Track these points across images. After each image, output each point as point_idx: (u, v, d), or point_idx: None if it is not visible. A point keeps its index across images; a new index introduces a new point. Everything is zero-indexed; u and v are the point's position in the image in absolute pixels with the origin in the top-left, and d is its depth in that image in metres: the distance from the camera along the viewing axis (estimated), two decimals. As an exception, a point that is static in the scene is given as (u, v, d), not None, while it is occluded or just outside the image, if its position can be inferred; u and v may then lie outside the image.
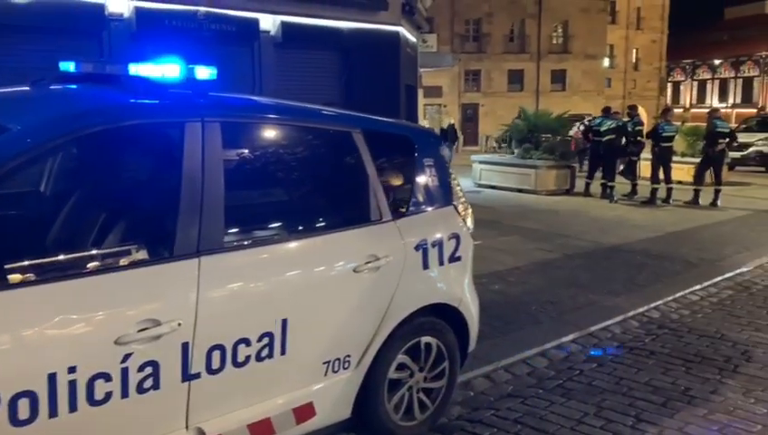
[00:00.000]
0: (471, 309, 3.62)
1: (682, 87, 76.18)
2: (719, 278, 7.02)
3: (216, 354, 2.49)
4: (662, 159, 12.87)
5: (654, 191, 12.90)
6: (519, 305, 5.90)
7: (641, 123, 13.58)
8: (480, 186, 15.48)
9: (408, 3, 11.46)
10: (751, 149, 21.29)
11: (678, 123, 19.81)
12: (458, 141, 29.77)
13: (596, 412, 3.77)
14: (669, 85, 75.55)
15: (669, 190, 13.01)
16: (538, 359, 4.62)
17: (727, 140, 12.89)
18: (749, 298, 6.29)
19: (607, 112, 13.70)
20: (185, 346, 2.40)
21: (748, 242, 9.17)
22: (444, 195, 3.51)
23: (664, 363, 4.54)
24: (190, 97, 2.66)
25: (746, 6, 69.43)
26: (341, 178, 3.20)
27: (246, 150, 2.84)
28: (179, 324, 2.36)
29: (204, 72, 2.64)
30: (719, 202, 12.67)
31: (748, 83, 68.78)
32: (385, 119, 3.48)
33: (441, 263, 3.39)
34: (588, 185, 14.04)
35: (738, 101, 67.94)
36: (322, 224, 3.01)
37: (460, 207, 3.63)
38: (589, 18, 42.67)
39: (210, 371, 2.48)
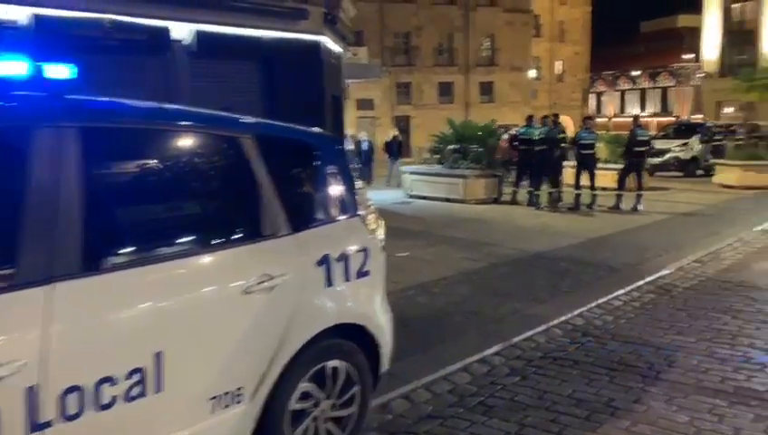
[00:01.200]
0: (383, 327, 3.37)
1: (605, 97, 79.26)
2: (641, 282, 7.05)
3: (73, 397, 2.13)
4: (583, 165, 13.10)
5: (577, 197, 13.11)
6: (443, 317, 5.71)
7: (563, 131, 13.80)
8: (412, 196, 15.38)
9: (330, 12, 11.24)
10: (669, 155, 22.13)
11: (602, 132, 20.47)
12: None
13: (518, 431, 3.58)
14: (593, 96, 78.56)
15: (593, 197, 13.26)
16: (460, 375, 4.41)
17: (646, 147, 13.26)
18: (670, 301, 6.32)
19: (530, 121, 13.86)
20: (31, 391, 2.03)
21: (668, 245, 9.35)
22: (349, 205, 3.26)
23: (588, 373, 4.41)
24: (42, 99, 2.30)
25: (660, 20, 73.21)
26: (229, 188, 2.87)
27: (113, 159, 2.49)
28: (23, 365, 2.00)
29: (58, 71, 2.29)
30: (641, 207, 12.99)
31: (665, 93, 72.33)
32: (282, 124, 3.20)
33: (347, 279, 3.13)
34: (515, 193, 14.15)
35: (657, 110, 71.35)
36: (206, 241, 2.67)
37: (370, 219, 3.38)
38: (514, 31, 43.77)
39: (66, 417, 2.12)
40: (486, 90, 43.90)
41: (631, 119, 13.70)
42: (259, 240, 2.78)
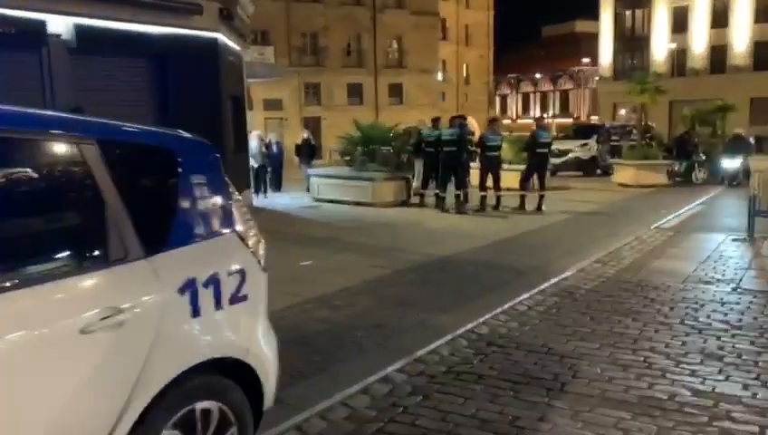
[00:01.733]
0: (265, 359, 2.97)
1: (509, 99, 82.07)
2: (545, 285, 7.00)
3: None
4: (488, 167, 13.18)
5: (483, 199, 13.16)
6: (344, 333, 5.36)
7: (471, 132, 13.84)
8: (318, 200, 14.98)
9: (226, 8, 10.66)
10: (569, 155, 22.89)
11: (506, 133, 20.90)
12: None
13: (418, 461, 3.30)
14: (498, 98, 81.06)
15: (498, 198, 13.36)
16: (359, 398, 4.08)
17: (548, 148, 13.51)
18: (573, 305, 6.28)
19: (436, 123, 13.80)
20: None
21: (571, 245, 9.46)
22: (222, 221, 2.85)
23: (492, 388, 4.20)
24: None
25: (559, 26, 76.55)
26: (63, 205, 2.38)
27: None
28: None
29: None
30: (544, 207, 13.21)
31: (565, 95, 75.68)
32: (135, 126, 2.73)
33: (219, 306, 2.71)
34: (422, 196, 14.06)
35: (558, 111, 74.49)
36: (31, 271, 2.18)
37: (249, 235, 2.99)
38: (421, 34, 44.19)
39: None
40: (395, 91, 44.11)
41: (539, 120, 13.88)
42: (103, 267, 2.32)
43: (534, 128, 13.57)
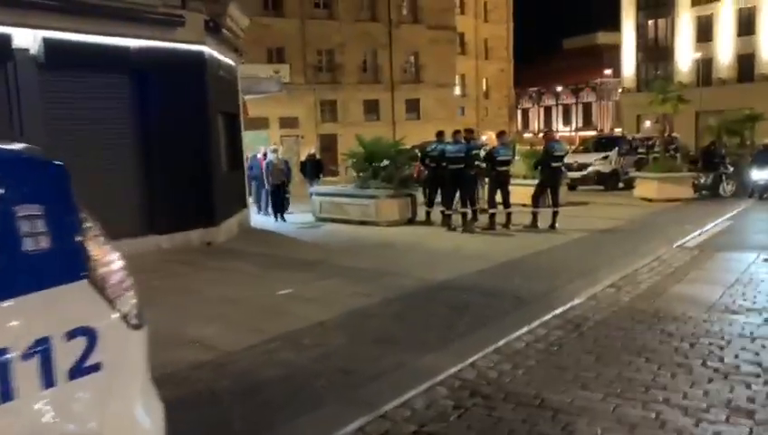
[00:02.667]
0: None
1: (530, 113, 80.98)
2: (549, 316, 6.20)
3: None
4: (498, 183, 12.39)
5: (492, 216, 12.35)
6: (304, 381, 4.61)
7: (478, 147, 13.07)
8: (321, 219, 14.30)
9: (213, 20, 10.10)
10: (589, 169, 21.98)
11: (527, 147, 20.08)
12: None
13: None
14: (519, 112, 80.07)
15: (508, 215, 12.54)
16: (299, 471, 3.33)
17: (562, 162, 12.68)
18: (578, 341, 5.45)
19: (441, 137, 13.05)
20: None
21: (583, 267, 8.62)
22: (66, 265, 2.14)
23: (464, 458, 3.42)
24: None
25: (581, 38, 75.50)
26: None
27: None
28: None
29: None
30: (558, 225, 12.35)
31: (587, 108, 74.38)
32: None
33: (50, 383, 2.00)
34: (428, 213, 13.31)
35: (580, 124, 73.24)
36: None
37: (112, 282, 2.27)
38: (438, 48, 43.66)
39: None
40: (412, 107, 43.55)
41: (548, 133, 13.05)
42: None
43: (545, 141, 12.72)
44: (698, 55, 46.87)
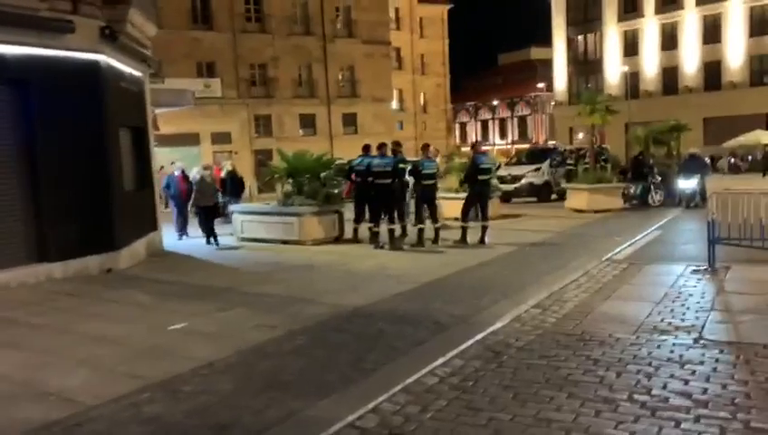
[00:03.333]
0: None
1: (468, 127, 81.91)
2: (468, 343, 5.64)
3: None
4: (425, 197, 11.89)
5: (420, 233, 11.82)
6: (169, 442, 3.86)
7: (405, 161, 12.55)
8: (244, 240, 13.44)
9: (110, 27, 9.21)
10: (522, 181, 21.88)
11: (465, 160, 19.77)
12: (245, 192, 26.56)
13: None
14: (458, 126, 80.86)
15: (437, 231, 12.05)
16: None
17: (490, 175, 12.29)
18: (496, 374, 4.89)
19: (366, 151, 12.45)
20: None
21: (509, 286, 8.15)
22: None
23: None
24: None
25: (515, 53, 77.12)
26: None
27: None
28: None
29: None
30: (487, 239, 11.94)
31: (523, 121, 75.87)
32: None
33: None
34: (356, 230, 12.68)
35: (516, 137, 74.55)
36: None
37: None
38: (373, 63, 43.43)
39: None
40: (350, 121, 43.06)
41: (475, 145, 12.65)
42: None
43: (473, 154, 12.29)
44: (626, 69, 48.25)
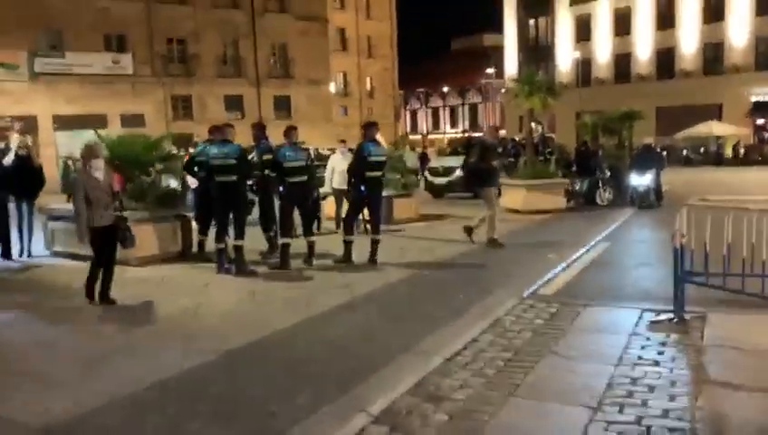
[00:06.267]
0: None
1: (419, 114, 78.76)
2: None
3: None
4: (292, 200, 8.57)
5: (284, 248, 8.52)
6: None
7: (265, 150, 9.23)
8: (57, 254, 9.92)
9: None
10: (456, 174, 18.83)
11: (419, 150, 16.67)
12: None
13: None
14: (408, 113, 77.64)
15: (311, 246, 8.76)
16: None
17: (382, 172, 9.01)
18: None
19: (212, 134, 8.98)
20: None
21: (369, 356, 4.98)
22: None
23: None
24: None
25: (468, 38, 74.15)
26: None
27: None
28: None
29: None
30: (378, 257, 8.74)
31: (474, 109, 73.10)
32: None
33: None
34: (201, 244, 9.31)
35: (467, 126, 71.78)
36: None
37: None
38: (309, 42, 39.66)
39: None
40: (282, 104, 39.21)
41: (367, 126, 9.26)
42: None
43: (362, 141, 8.95)
44: (578, 55, 45.86)
